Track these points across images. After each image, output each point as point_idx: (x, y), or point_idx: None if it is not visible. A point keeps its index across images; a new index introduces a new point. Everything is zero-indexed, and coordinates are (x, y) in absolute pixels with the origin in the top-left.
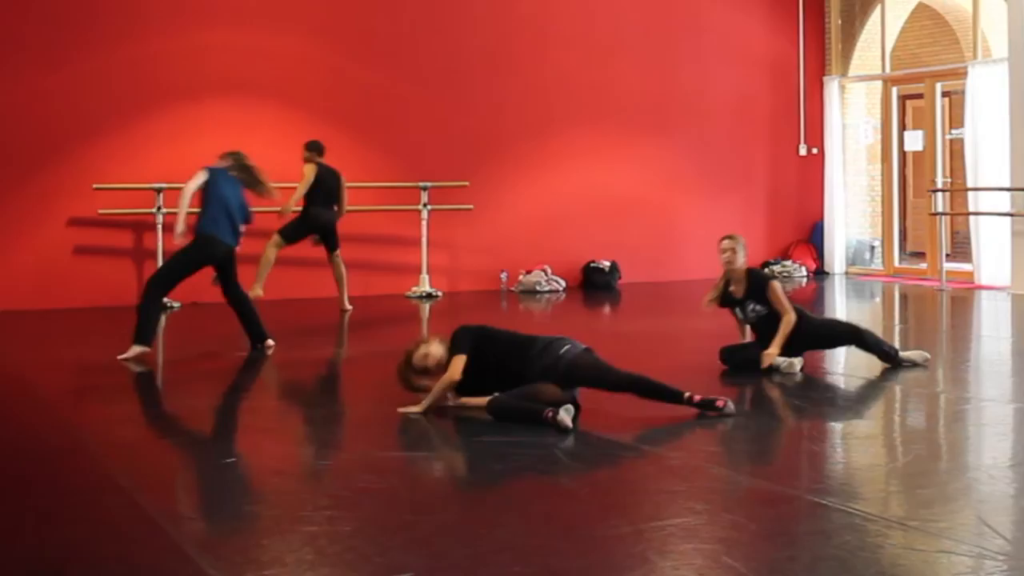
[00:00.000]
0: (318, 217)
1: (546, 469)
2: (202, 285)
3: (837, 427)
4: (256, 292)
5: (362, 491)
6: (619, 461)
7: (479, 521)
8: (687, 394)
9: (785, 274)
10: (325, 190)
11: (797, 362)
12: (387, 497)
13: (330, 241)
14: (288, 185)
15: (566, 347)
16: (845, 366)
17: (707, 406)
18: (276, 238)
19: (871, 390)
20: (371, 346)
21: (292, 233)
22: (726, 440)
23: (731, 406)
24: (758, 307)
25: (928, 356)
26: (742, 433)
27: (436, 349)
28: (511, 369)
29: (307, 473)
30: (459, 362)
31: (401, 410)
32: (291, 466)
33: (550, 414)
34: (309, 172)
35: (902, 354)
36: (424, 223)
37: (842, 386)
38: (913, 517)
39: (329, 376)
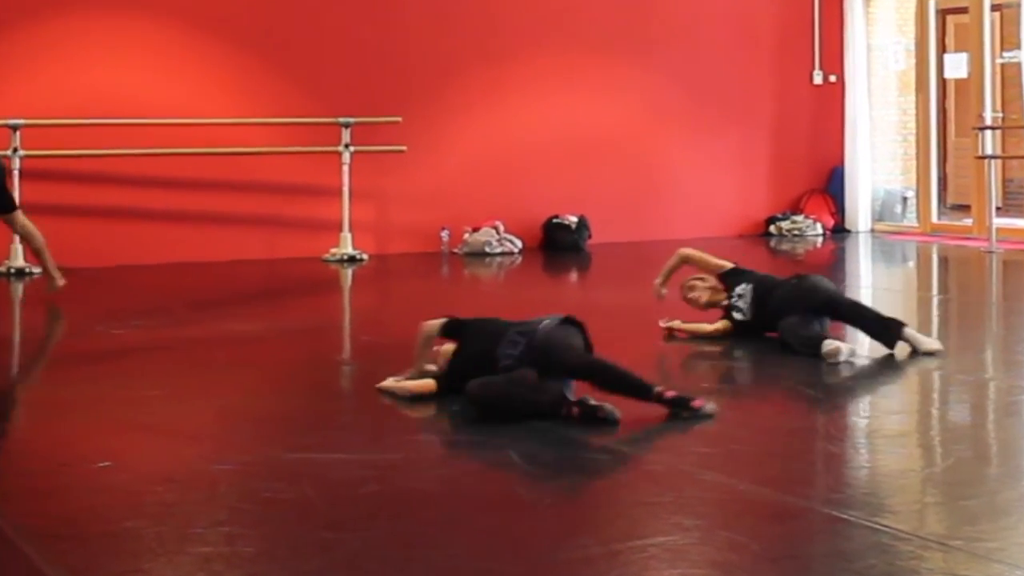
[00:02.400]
0: None
1: (497, 475)
2: (68, 249)
3: (860, 423)
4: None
5: (268, 502)
6: (588, 465)
7: (412, 540)
8: (657, 389)
9: (795, 232)
10: None
11: (845, 348)
12: (299, 510)
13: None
14: (185, 122)
15: (544, 321)
16: (870, 347)
17: (680, 405)
18: None
19: (902, 377)
20: (279, 322)
21: None
22: (721, 439)
23: (710, 407)
24: (741, 289)
25: (939, 348)
26: (742, 431)
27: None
28: (493, 357)
29: (200, 480)
30: (430, 321)
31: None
32: (180, 471)
33: (575, 410)
34: None
35: (907, 331)
36: (345, 169)
37: (866, 372)
38: (956, 535)
39: (227, 359)
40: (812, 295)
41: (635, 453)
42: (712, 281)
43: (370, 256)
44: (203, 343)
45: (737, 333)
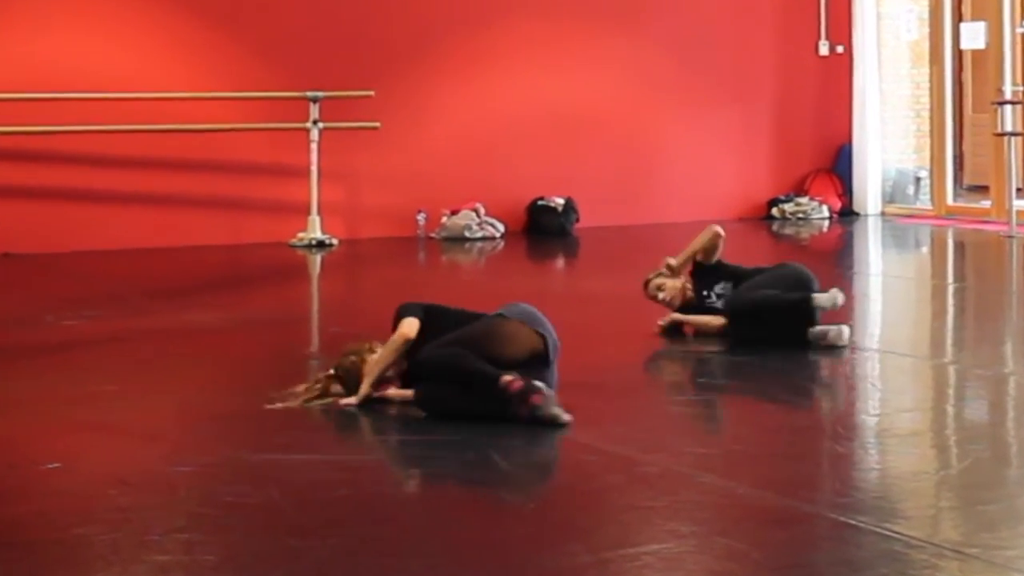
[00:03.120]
0: None
1: (479, 477)
2: (15, 233)
3: (869, 421)
4: None
5: (230, 507)
6: (576, 466)
7: (385, 547)
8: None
9: (800, 215)
10: None
11: (846, 330)
12: (264, 515)
13: None
14: (142, 96)
15: (503, 308)
16: (880, 339)
17: (519, 398)
18: None
19: (915, 371)
20: (242, 312)
21: None
22: (720, 439)
23: (563, 416)
24: (720, 287)
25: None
26: (742, 429)
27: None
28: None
29: (157, 483)
30: (412, 322)
31: (343, 402)
32: (135, 473)
33: (515, 385)
34: None
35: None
36: (314, 147)
37: (876, 365)
38: (973, 542)
39: (186, 353)
40: (785, 279)
41: (626, 453)
42: (682, 280)
43: (340, 241)
44: (161, 335)
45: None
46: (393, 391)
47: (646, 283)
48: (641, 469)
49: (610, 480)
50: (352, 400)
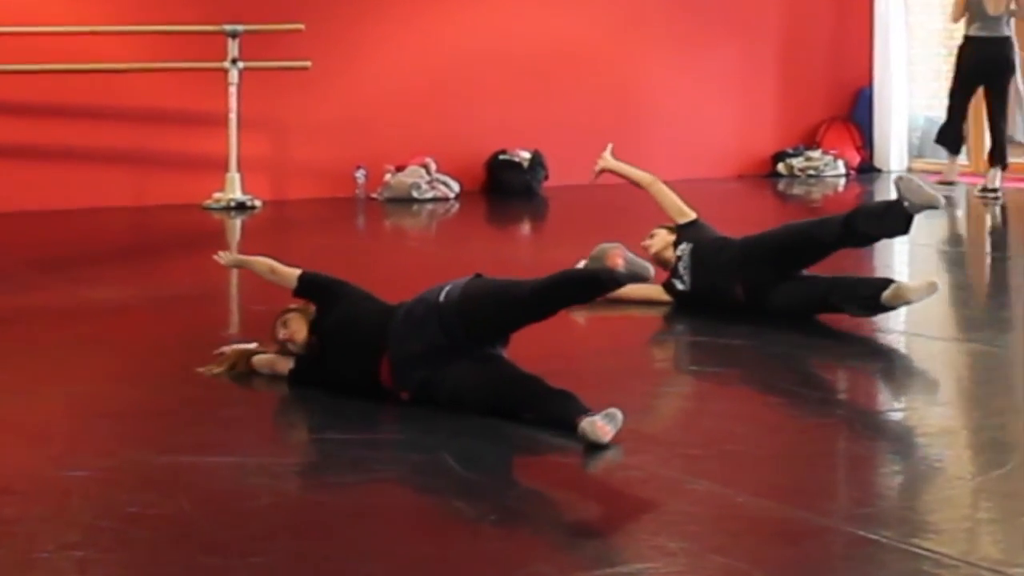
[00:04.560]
0: None
1: (429, 484)
2: None
3: (893, 417)
4: None
5: (133, 519)
6: (545, 471)
7: (318, 567)
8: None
9: (811, 172)
10: None
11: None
12: (173, 528)
13: None
14: (28, 30)
15: (445, 289)
16: (907, 321)
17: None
18: None
19: (947, 356)
20: (148, 288)
21: None
22: (715, 438)
23: (599, 430)
24: (681, 248)
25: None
26: (741, 427)
27: (297, 324)
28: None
29: (46, 490)
30: (287, 269)
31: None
32: (20, 479)
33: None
34: None
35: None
36: (233, 91)
37: (902, 351)
38: (1016, 560)
39: (81, 336)
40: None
41: (605, 455)
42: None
43: (264, 203)
44: (51, 315)
45: (677, 306)
46: (268, 358)
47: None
48: (622, 474)
49: (584, 487)
50: (222, 256)
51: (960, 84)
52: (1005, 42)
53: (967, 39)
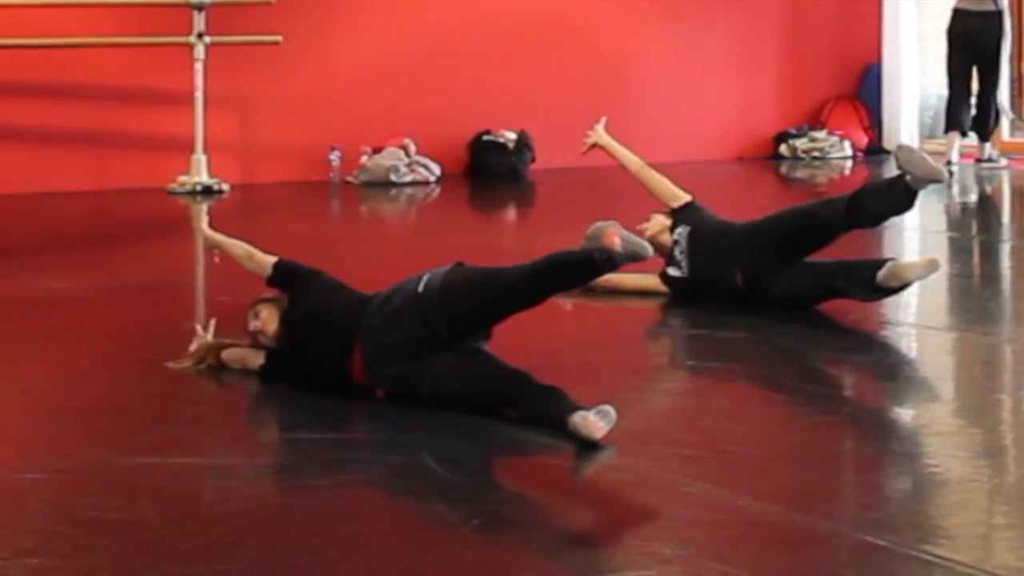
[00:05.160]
0: None
1: (408, 487)
2: None
3: (903, 415)
4: None
5: (92, 524)
6: (534, 474)
7: None
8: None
9: (815, 153)
10: None
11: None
12: (135, 534)
13: None
14: None
15: (424, 278)
16: (918, 312)
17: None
18: None
19: (960, 350)
20: (109, 277)
21: None
22: (714, 438)
23: (592, 426)
24: (679, 232)
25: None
26: (741, 426)
27: (268, 315)
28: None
29: (0, 494)
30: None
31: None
32: None
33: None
34: None
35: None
36: (199, 67)
37: (912, 343)
38: None
39: (36, 329)
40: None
41: (596, 456)
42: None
43: (232, 187)
44: (4, 306)
45: (675, 294)
46: (239, 352)
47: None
48: (614, 476)
49: (574, 490)
50: (203, 230)
51: (951, 61)
52: (992, 16)
53: (955, 12)
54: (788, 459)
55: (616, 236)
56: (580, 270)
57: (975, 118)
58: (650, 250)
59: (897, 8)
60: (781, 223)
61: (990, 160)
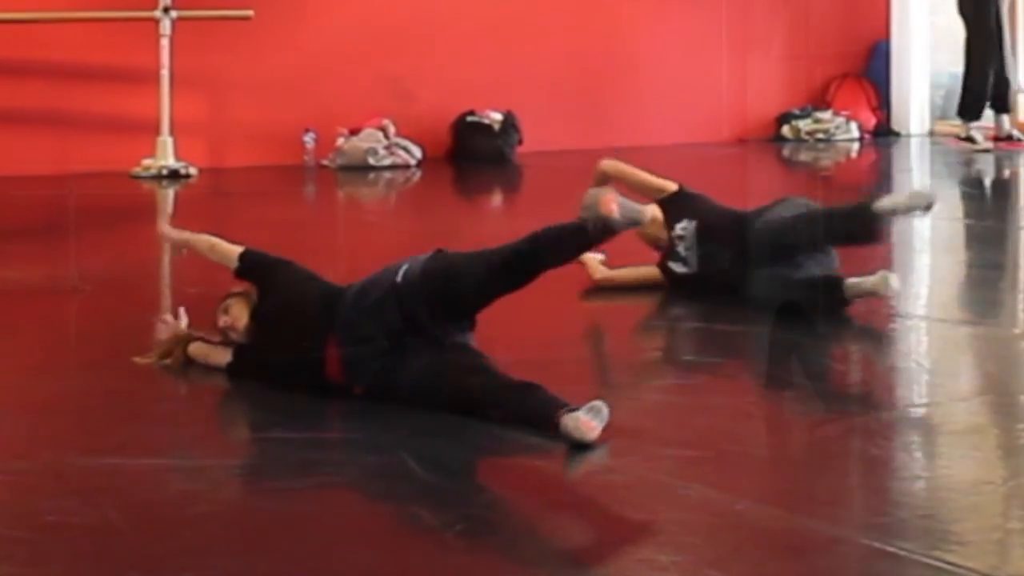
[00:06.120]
0: None
1: (387, 490)
2: None
3: (914, 414)
4: None
5: (52, 529)
6: (519, 476)
7: None
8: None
9: (820, 135)
10: None
11: (894, 278)
12: (97, 540)
13: None
14: None
15: (403, 267)
16: (928, 303)
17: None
18: None
19: (974, 345)
20: (67, 267)
21: None
22: (711, 437)
23: (584, 426)
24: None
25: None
26: (740, 425)
27: (238, 310)
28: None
29: None
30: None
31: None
32: None
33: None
34: None
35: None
36: (164, 43)
37: (923, 337)
38: None
39: None
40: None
41: (586, 456)
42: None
43: (200, 171)
44: None
45: (670, 289)
46: (207, 347)
47: None
48: (605, 478)
49: (563, 494)
50: (164, 232)
51: (983, 24)
52: None
53: None
54: (791, 460)
55: (613, 203)
56: (573, 242)
57: (992, 87)
58: (646, 215)
59: None
60: (786, 222)
61: (1010, 138)
